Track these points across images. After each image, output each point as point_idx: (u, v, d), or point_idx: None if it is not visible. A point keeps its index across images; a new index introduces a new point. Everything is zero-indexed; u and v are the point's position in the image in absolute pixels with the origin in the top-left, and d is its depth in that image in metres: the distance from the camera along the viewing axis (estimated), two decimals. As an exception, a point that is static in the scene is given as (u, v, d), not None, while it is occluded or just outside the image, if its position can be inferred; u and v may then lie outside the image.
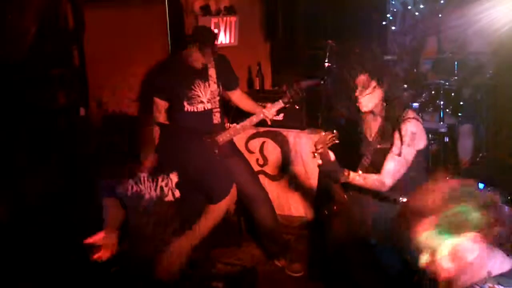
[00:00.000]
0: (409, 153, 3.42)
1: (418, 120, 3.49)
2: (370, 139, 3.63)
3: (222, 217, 3.10)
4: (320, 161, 3.48)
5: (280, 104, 4.27)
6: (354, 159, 3.71)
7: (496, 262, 1.81)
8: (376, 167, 3.55)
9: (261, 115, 4.31)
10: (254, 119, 4.35)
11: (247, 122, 4.36)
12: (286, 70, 6.35)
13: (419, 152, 3.48)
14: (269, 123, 4.38)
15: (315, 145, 3.55)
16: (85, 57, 4.54)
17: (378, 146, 3.55)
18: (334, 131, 3.54)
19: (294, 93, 4.25)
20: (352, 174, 3.46)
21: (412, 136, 3.42)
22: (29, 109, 4.18)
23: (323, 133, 3.55)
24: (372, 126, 3.63)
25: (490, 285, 1.76)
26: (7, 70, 4.03)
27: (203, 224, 3.01)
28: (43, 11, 4.29)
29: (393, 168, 3.43)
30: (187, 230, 3.02)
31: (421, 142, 3.49)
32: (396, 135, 3.45)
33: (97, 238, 3.00)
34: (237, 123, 4.41)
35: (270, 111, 4.29)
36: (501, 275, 1.79)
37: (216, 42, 4.31)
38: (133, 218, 3.07)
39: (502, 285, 1.76)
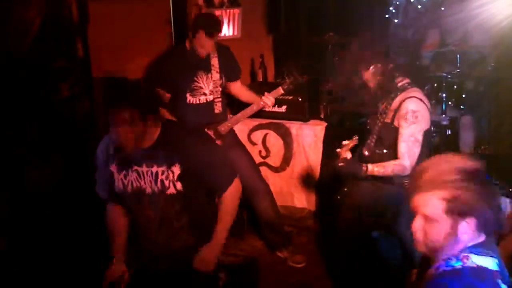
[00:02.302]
0: (416, 131, 3.49)
1: (419, 98, 3.55)
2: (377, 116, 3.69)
3: (235, 213, 3.12)
4: (342, 163, 3.55)
5: (279, 91, 4.30)
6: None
7: (469, 236, 1.90)
8: (384, 144, 3.60)
9: (261, 103, 4.34)
10: (255, 107, 4.38)
11: (247, 110, 4.39)
12: (289, 62, 6.36)
13: (425, 133, 3.53)
14: (269, 107, 4.44)
15: (339, 153, 3.66)
16: (89, 49, 4.56)
17: (385, 121, 3.61)
18: (355, 137, 3.70)
19: (294, 78, 4.27)
20: (370, 166, 3.52)
21: (414, 114, 3.48)
22: (33, 102, 4.20)
23: (347, 141, 3.72)
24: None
25: (464, 254, 1.88)
26: (12, 62, 4.05)
27: (220, 229, 3.03)
28: (48, 3, 4.30)
29: (406, 149, 3.50)
30: (198, 229, 3.05)
31: (426, 122, 3.55)
32: (399, 115, 3.50)
33: (111, 276, 3.01)
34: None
35: (269, 98, 4.32)
36: (474, 245, 1.90)
37: (221, 29, 4.33)
38: (138, 214, 3.04)
39: (474, 253, 1.87)
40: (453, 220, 1.89)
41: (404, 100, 3.51)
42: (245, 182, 4.33)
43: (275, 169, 5.31)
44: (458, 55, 5.21)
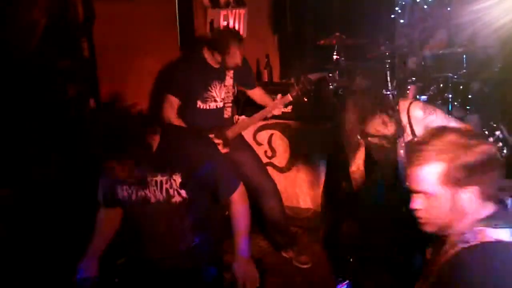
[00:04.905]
0: (443, 113, 3.48)
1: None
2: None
3: (248, 218, 3.06)
4: None
5: (288, 98, 4.29)
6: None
7: (476, 207, 1.86)
8: None
9: (270, 112, 4.36)
10: (264, 114, 4.40)
11: (256, 116, 4.39)
12: (294, 62, 6.36)
13: None
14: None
15: None
16: (95, 49, 4.56)
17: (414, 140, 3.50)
18: None
19: (302, 86, 4.27)
20: None
21: (425, 106, 3.46)
22: (39, 102, 4.21)
23: None
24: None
25: (479, 228, 1.82)
26: (17, 62, 4.05)
27: (239, 240, 2.97)
28: (53, 3, 4.31)
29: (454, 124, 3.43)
30: (203, 230, 3.03)
31: None
32: (420, 120, 3.43)
33: (81, 273, 2.96)
34: (246, 116, 4.45)
35: (277, 108, 4.35)
36: (488, 217, 1.84)
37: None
38: (142, 223, 3.01)
39: (490, 226, 1.81)
40: (453, 191, 1.85)
41: (409, 108, 3.44)
42: (252, 182, 4.35)
43: (281, 169, 5.30)
44: (464, 56, 5.20)
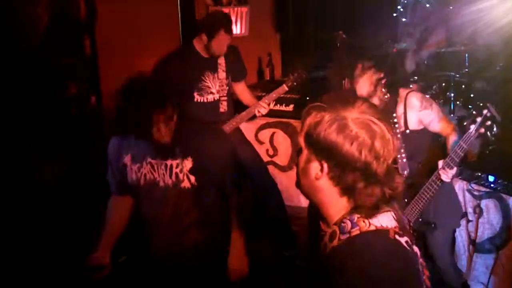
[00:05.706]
0: (438, 108, 3.44)
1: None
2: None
3: (249, 214, 3.10)
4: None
5: (284, 88, 4.30)
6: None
7: (325, 187, 1.72)
8: (415, 157, 3.48)
9: (255, 110, 4.35)
10: (258, 104, 4.42)
11: (251, 110, 4.39)
12: (296, 60, 6.36)
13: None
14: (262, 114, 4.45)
15: None
16: (96, 47, 4.56)
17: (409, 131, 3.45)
18: None
19: (297, 75, 4.28)
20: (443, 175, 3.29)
21: (423, 98, 3.43)
22: (41, 98, 4.21)
23: None
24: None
25: (359, 216, 1.65)
26: (19, 59, 4.05)
27: (236, 235, 3.01)
28: (56, 0, 4.31)
29: (447, 123, 3.47)
30: (207, 227, 3.03)
31: None
32: (412, 110, 3.40)
33: (94, 262, 2.97)
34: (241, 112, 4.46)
35: (264, 106, 4.37)
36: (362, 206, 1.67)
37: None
38: (148, 208, 3.01)
39: (368, 217, 1.64)
40: (309, 155, 1.70)
41: (406, 97, 3.42)
42: (252, 180, 4.34)
43: (282, 168, 5.30)
44: (466, 55, 5.19)
